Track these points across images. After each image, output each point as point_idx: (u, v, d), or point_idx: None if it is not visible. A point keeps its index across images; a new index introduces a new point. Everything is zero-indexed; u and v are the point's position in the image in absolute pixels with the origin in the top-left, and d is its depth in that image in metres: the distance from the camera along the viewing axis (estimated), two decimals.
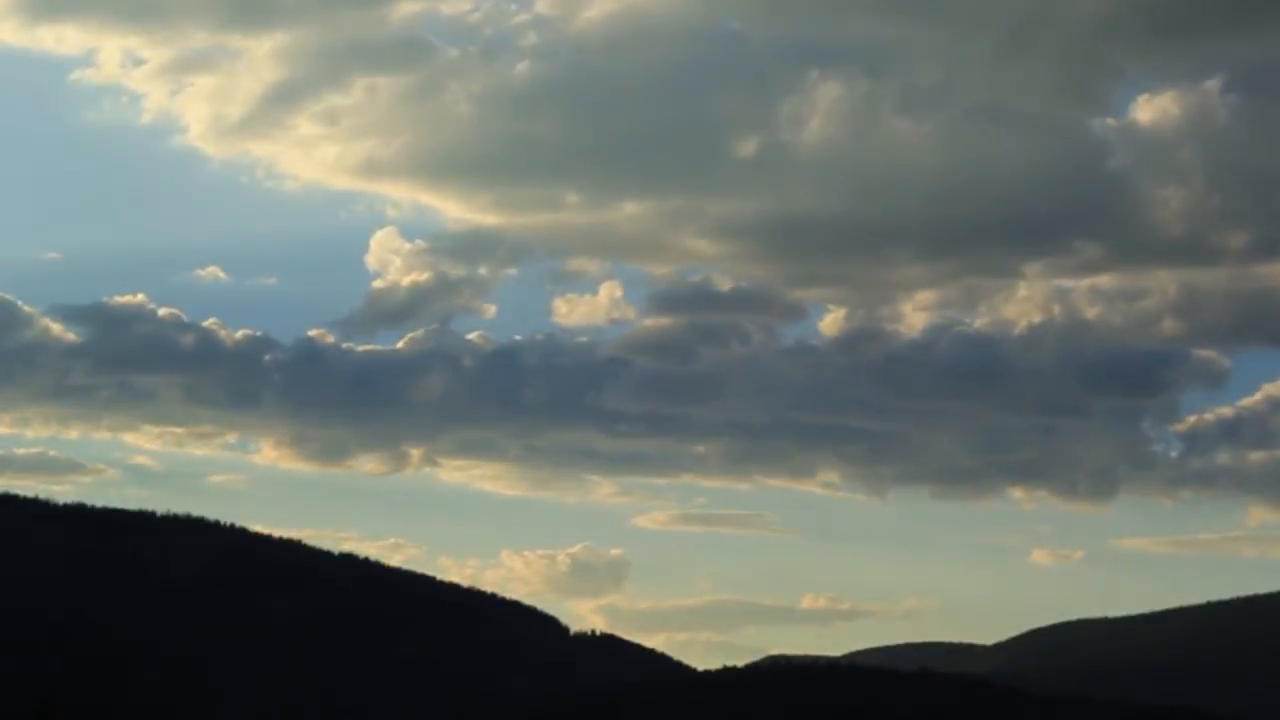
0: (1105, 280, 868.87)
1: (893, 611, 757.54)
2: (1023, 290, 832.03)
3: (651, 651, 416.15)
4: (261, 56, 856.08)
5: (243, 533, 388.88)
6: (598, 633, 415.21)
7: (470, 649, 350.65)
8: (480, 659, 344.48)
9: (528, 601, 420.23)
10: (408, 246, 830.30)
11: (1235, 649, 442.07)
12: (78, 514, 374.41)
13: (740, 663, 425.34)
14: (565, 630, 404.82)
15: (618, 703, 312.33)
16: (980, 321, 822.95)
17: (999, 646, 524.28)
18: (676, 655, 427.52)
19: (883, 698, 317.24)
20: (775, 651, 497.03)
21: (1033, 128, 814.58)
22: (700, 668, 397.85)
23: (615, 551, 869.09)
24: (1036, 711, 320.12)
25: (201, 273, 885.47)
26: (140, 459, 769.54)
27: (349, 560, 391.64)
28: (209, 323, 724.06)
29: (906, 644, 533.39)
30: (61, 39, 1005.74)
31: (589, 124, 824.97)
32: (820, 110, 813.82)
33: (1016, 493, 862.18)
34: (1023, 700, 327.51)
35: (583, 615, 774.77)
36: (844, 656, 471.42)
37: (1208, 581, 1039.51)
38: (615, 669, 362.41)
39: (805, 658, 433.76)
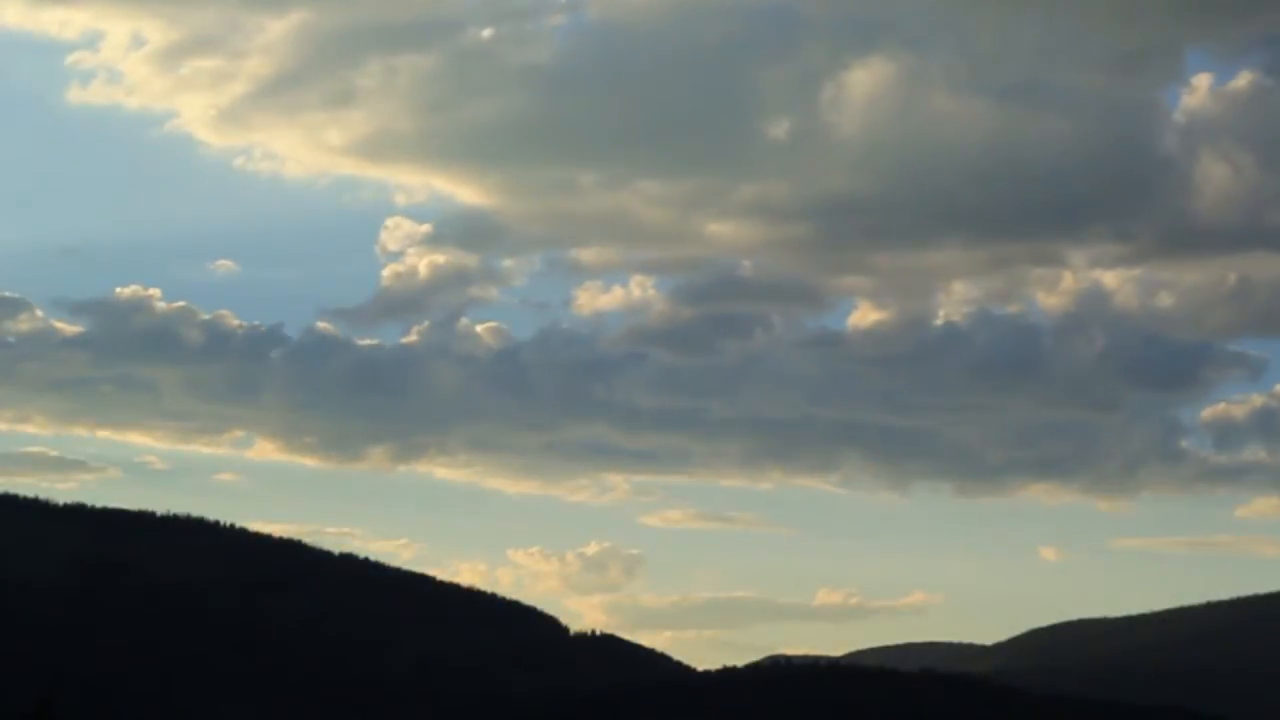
0: (1151, 268, 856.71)
1: (903, 610, 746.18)
2: (1066, 279, 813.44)
3: (651, 651, 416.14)
4: (274, 37, 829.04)
5: (243, 532, 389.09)
6: (598, 633, 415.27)
7: (470, 649, 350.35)
8: (480, 659, 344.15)
9: (538, 601, 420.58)
10: (419, 233, 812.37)
11: (1235, 648, 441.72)
12: (78, 514, 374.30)
13: (741, 662, 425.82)
14: (565, 630, 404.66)
15: (617, 703, 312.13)
16: (1018, 312, 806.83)
17: (999, 646, 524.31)
18: (684, 653, 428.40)
19: (883, 698, 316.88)
20: (780, 650, 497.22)
21: (1082, 108, 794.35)
22: (700, 668, 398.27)
23: (627, 549, 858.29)
24: (1036, 711, 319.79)
25: (208, 263, 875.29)
26: (146, 457, 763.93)
27: (349, 560, 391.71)
28: (215, 315, 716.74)
29: (907, 644, 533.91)
30: (66, 22, 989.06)
31: (616, 105, 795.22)
32: (859, 88, 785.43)
33: (1042, 489, 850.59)
34: (1023, 700, 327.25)
35: (591, 614, 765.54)
36: (844, 656, 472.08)
37: (1226, 580, 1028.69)
38: (615, 669, 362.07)
39: (805, 658, 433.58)
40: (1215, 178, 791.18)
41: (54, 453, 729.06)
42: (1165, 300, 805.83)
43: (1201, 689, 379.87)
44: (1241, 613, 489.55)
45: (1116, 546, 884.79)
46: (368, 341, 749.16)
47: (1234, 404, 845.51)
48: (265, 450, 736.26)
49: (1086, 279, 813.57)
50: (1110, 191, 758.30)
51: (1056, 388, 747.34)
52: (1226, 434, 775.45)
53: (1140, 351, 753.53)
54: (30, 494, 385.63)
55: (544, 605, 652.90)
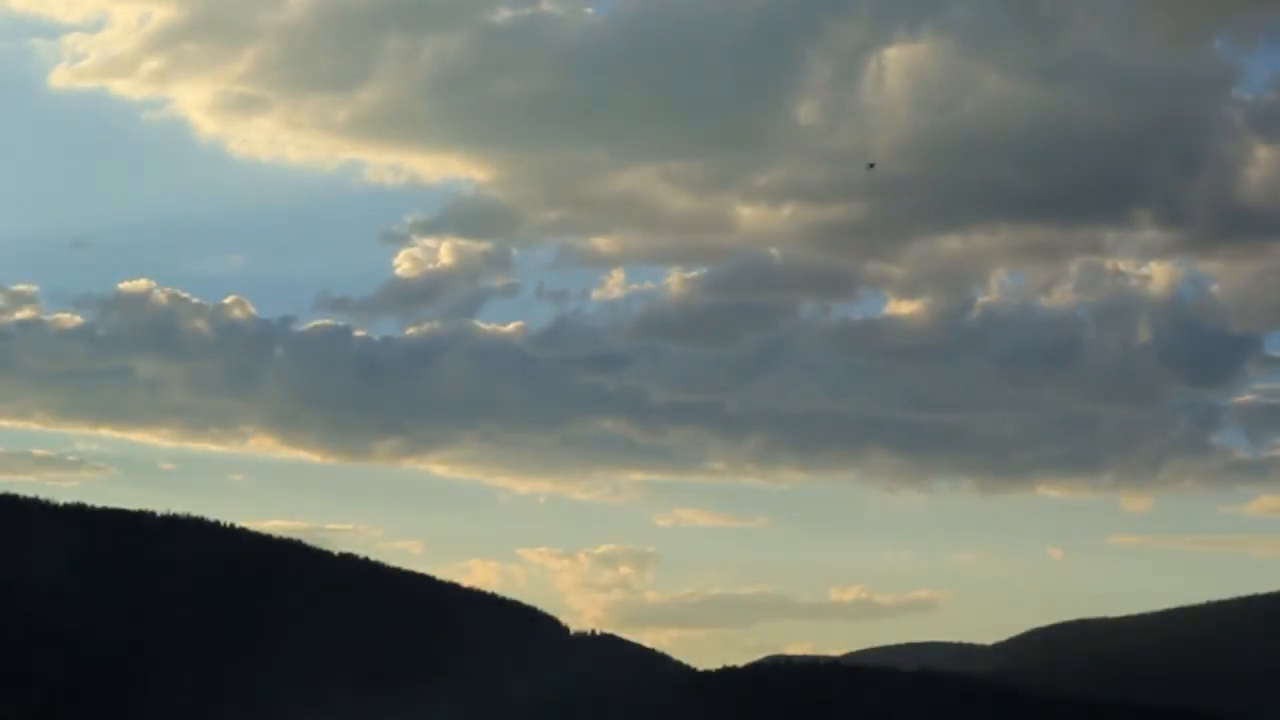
0: (1197, 257, 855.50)
1: (913, 608, 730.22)
2: (1108, 267, 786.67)
3: (652, 651, 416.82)
4: (291, 15, 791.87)
5: (243, 532, 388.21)
6: (598, 632, 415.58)
7: (470, 649, 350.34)
8: (480, 659, 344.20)
9: (549, 600, 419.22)
10: (432, 221, 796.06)
11: (1236, 648, 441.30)
12: (78, 514, 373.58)
13: (741, 662, 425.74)
14: (565, 630, 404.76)
15: (617, 703, 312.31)
16: (1056, 303, 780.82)
17: (999, 646, 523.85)
18: (686, 652, 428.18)
19: (883, 698, 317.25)
20: (781, 650, 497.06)
21: (1130, 89, 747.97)
22: (700, 667, 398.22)
23: (640, 548, 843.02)
24: (1036, 711, 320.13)
25: (214, 254, 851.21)
26: (148, 455, 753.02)
27: (349, 560, 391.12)
28: (219, 307, 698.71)
29: (907, 644, 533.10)
30: (73, 5, 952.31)
31: (645, 87, 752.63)
32: (898, 67, 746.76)
33: (1068, 486, 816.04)
34: (1023, 700, 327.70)
35: (594, 613, 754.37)
36: (844, 656, 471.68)
37: (1231, 579, 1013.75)
38: (615, 669, 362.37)
39: (805, 658, 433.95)
40: (1267, 163, 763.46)
41: (54, 451, 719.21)
42: (1211, 290, 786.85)
43: (1201, 689, 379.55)
44: (1242, 612, 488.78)
45: (1135, 545, 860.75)
46: (376, 334, 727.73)
47: (1264, 396, 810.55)
48: (269, 446, 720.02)
49: (1129, 268, 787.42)
50: (1157, 176, 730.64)
51: (1092, 382, 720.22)
52: (1257, 428, 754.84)
53: (1182, 344, 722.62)
54: (30, 494, 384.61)
55: (552, 604, 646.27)
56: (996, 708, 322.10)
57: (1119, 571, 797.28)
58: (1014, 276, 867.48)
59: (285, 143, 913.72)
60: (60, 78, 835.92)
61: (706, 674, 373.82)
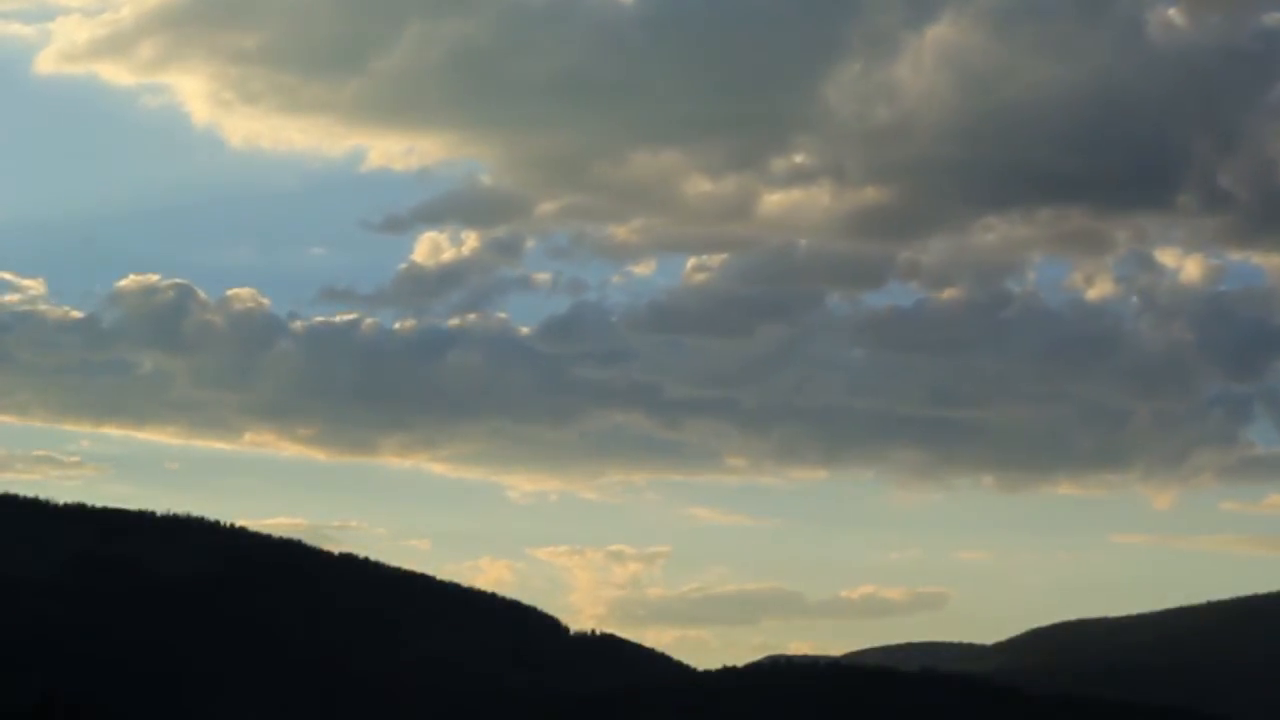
0: (1242, 245, 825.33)
1: (920, 608, 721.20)
2: (1148, 255, 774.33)
3: (652, 651, 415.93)
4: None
5: (243, 532, 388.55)
6: (598, 632, 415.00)
7: (469, 648, 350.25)
8: (480, 659, 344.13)
9: (553, 599, 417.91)
10: (440, 212, 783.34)
11: (1236, 648, 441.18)
12: (78, 514, 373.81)
13: (740, 662, 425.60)
14: (565, 630, 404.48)
15: (618, 703, 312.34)
16: (1092, 293, 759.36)
17: (999, 646, 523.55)
18: (687, 652, 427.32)
19: (883, 698, 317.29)
20: (781, 650, 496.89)
21: (1177, 67, 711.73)
22: (700, 667, 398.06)
23: (649, 547, 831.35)
24: (1036, 711, 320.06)
25: (217, 244, 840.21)
26: (149, 452, 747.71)
27: (349, 560, 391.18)
28: (221, 300, 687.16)
29: (907, 644, 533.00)
30: None
31: (664, 73, 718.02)
32: (931, 47, 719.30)
33: (1088, 484, 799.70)
34: (1023, 700, 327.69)
35: (597, 613, 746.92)
36: (844, 656, 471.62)
37: (1236, 578, 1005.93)
38: (615, 669, 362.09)
39: (805, 658, 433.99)
40: None
41: (54, 449, 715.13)
42: (1253, 279, 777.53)
43: (1201, 689, 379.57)
44: (1243, 612, 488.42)
45: (1139, 544, 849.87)
46: (382, 326, 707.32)
47: None
48: (271, 443, 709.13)
49: (1170, 256, 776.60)
50: (1201, 161, 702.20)
51: (1126, 374, 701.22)
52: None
53: (1220, 335, 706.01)
54: (30, 493, 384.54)
55: (560, 604, 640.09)
56: (996, 708, 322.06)
57: (1122, 570, 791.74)
58: (1051, 266, 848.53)
59: (288, 127, 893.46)
60: (52, 62, 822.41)
61: (706, 674, 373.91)
